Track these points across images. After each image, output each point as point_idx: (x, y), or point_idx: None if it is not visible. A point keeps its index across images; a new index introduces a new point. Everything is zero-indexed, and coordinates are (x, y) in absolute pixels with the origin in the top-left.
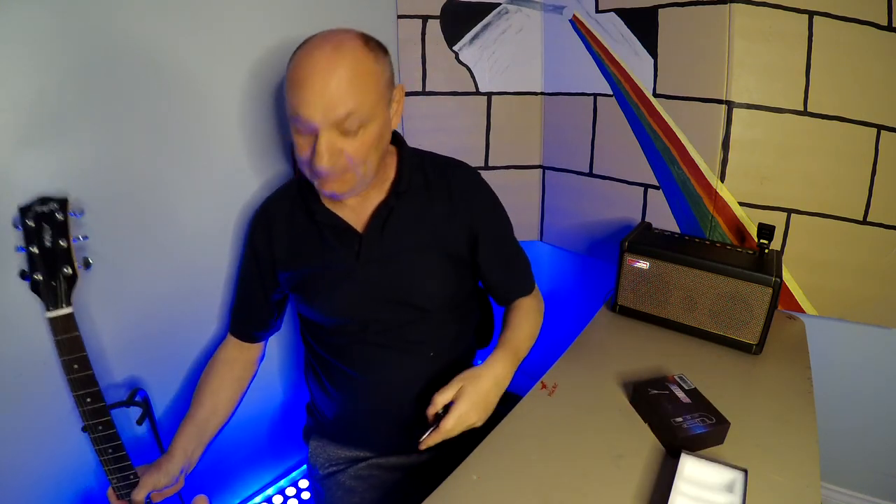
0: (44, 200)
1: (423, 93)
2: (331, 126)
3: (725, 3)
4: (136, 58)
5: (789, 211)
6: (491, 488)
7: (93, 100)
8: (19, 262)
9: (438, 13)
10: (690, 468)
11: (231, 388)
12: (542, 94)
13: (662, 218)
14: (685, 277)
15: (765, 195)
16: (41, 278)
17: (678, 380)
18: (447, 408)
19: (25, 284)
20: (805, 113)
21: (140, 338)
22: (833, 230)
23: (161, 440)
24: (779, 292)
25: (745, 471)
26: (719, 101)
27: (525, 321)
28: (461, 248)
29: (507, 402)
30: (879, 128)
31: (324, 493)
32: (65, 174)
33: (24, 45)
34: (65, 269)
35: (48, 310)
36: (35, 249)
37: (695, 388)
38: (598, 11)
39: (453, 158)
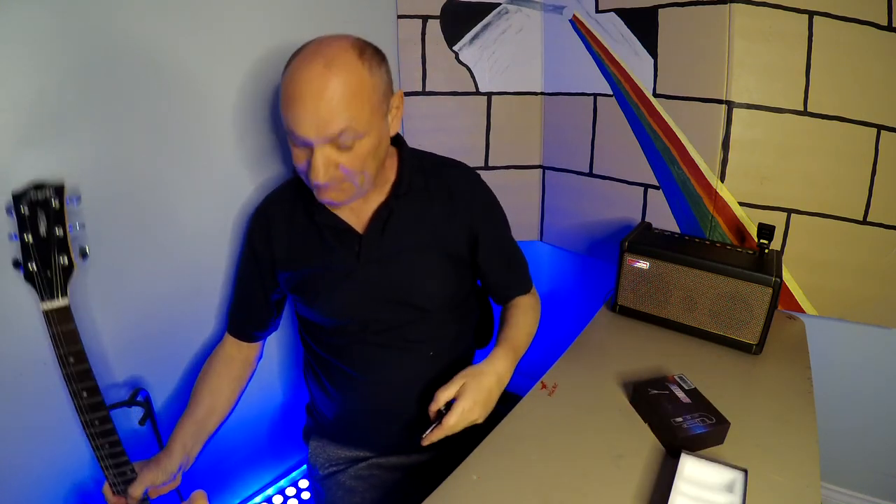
0: (39, 186)
1: (423, 93)
2: (325, 142)
3: (725, 3)
4: (136, 58)
5: (789, 211)
6: (491, 488)
7: (93, 100)
8: (13, 251)
9: (438, 13)
10: (690, 468)
11: (230, 387)
12: (542, 94)
13: (662, 218)
14: (685, 277)
15: (765, 195)
16: (35, 268)
17: (678, 380)
18: (449, 405)
19: (24, 283)
20: (805, 113)
21: (140, 338)
22: (833, 230)
23: (162, 440)
24: (779, 292)
25: (745, 471)
26: (719, 101)
27: (524, 319)
28: (461, 248)
29: (507, 401)
30: (879, 128)
31: (324, 493)
32: (65, 174)
33: (24, 45)
34: (61, 259)
35: (43, 301)
36: (29, 238)
37: (695, 388)
38: (598, 11)
39: (452, 159)
